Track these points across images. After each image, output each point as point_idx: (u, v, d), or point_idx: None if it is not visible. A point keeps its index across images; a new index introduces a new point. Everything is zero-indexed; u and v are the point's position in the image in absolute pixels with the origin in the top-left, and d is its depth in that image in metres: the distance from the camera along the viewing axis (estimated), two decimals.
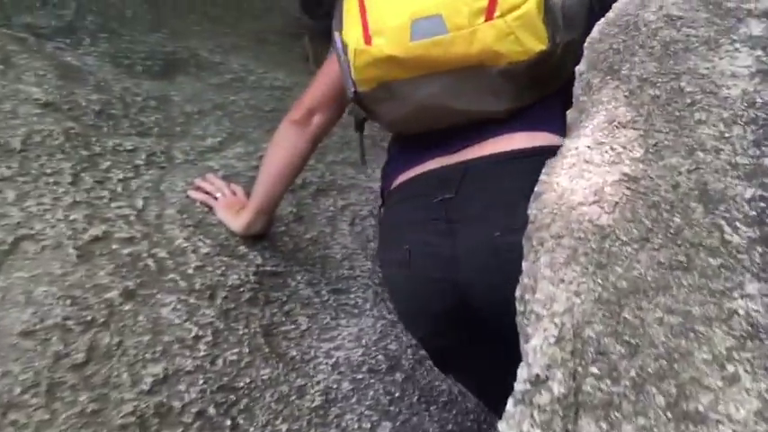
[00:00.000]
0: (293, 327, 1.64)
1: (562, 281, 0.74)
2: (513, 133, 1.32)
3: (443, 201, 1.32)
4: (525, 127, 1.34)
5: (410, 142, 1.48)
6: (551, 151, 0.97)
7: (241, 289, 1.60)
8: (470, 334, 1.36)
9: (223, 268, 1.61)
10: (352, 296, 1.81)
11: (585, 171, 0.79)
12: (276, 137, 1.63)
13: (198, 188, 1.78)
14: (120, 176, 1.70)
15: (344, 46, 1.38)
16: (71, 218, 1.51)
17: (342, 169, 2.15)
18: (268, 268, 1.70)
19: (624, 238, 0.73)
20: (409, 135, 1.49)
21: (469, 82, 1.31)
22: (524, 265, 0.79)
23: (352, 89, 1.39)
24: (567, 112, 0.96)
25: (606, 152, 0.79)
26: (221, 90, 2.25)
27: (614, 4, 0.97)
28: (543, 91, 1.34)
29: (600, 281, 0.72)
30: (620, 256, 0.73)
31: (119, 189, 1.66)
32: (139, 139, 1.86)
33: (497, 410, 0.88)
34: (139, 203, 1.65)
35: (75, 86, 1.91)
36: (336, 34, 1.40)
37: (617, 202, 0.75)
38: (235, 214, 1.73)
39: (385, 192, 1.54)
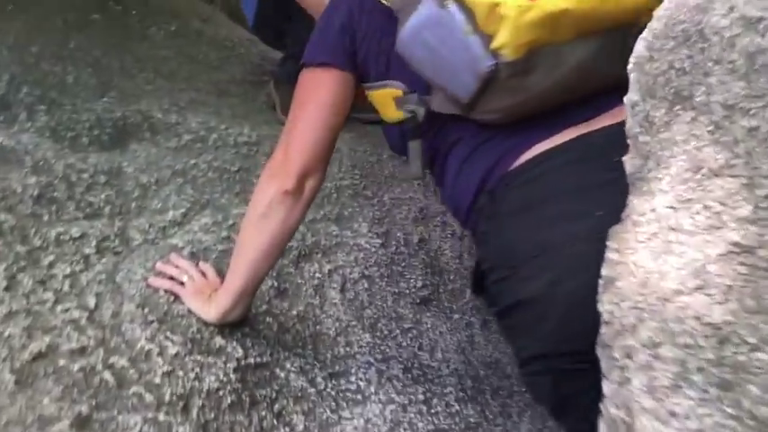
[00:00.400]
0: (288, 430, 1.38)
1: (673, 414, 0.50)
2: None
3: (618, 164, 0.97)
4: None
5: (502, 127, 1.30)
6: None
7: (221, 392, 1.34)
8: None
9: (197, 370, 1.35)
10: (352, 379, 1.56)
11: (674, 243, 0.56)
12: (263, 208, 1.40)
13: (160, 273, 1.53)
14: (67, 271, 1.46)
15: (471, 11, 1.19)
16: (6, 333, 1.25)
17: (324, 227, 1.90)
18: (251, 360, 1.45)
19: (752, 340, 0.50)
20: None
21: (620, 42, 1.13)
22: (606, 387, 0.55)
23: (491, 62, 1.19)
24: (625, 158, 0.73)
25: (698, 213, 0.56)
26: (180, 154, 2.01)
27: (656, 12, 0.74)
28: None
29: (731, 410, 0.48)
30: (753, 368, 0.49)
31: (65, 288, 1.41)
32: (88, 224, 1.61)
33: None
34: (91, 302, 1.40)
35: (9, 171, 1.66)
36: (450, 6, 1.21)
37: (730, 286, 0.52)
38: (207, 300, 1.47)
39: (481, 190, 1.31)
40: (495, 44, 1.19)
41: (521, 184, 1.25)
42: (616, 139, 0.97)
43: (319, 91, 1.41)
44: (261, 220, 1.40)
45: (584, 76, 1.25)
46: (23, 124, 1.91)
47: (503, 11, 1.17)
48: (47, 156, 1.78)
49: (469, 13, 1.20)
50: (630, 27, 1.11)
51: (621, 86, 0.98)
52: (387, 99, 1.41)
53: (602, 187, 1.08)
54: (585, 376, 0.99)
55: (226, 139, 2.11)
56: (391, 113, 1.43)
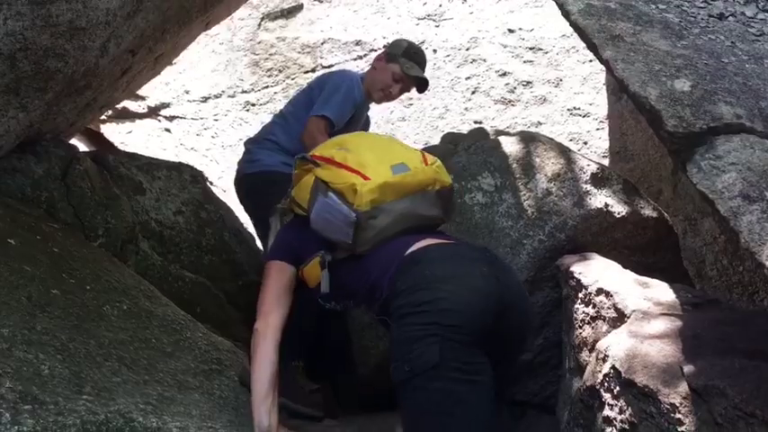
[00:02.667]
0: None
1: None
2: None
3: (483, 256, 2.16)
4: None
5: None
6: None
7: None
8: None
9: None
10: None
11: None
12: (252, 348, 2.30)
13: None
14: None
15: (341, 194, 2.17)
16: None
17: None
18: None
19: None
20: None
21: (424, 199, 2.25)
22: None
23: (354, 215, 2.13)
24: None
25: None
26: None
27: None
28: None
29: None
30: None
31: None
32: None
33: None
34: None
35: None
36: (330, 195, 2.20)
37: None
38: None
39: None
40: (355, 205, 2.14)
41: (426, 255, 2.11)
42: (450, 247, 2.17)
43: (272, 272, 2.37)
44: (253, 355, 2.27)
45: (407, 218, 2.19)
46: (9, 428, 1.74)
47: (357, 188, 2.14)
48: None
49: (340, 195, 2.17)
50: (429, 189, 2.24)
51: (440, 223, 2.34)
52: (314, 265, 2.27)
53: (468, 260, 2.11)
54: (462, 347, 1.91)
55: None
56: (316, 274, 2.27)
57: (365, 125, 3.78)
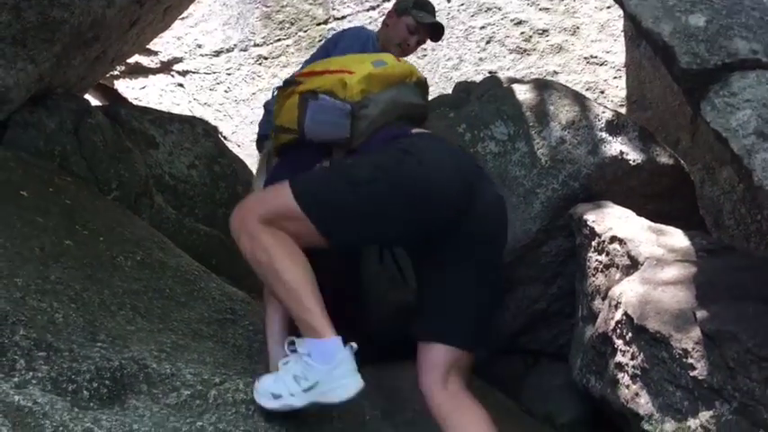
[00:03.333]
0: None
1: None
2: None
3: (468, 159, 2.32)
4: None
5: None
6: None
7: None
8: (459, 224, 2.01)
9: None
10: None
11: None
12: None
13: None
14: None
15: (331, 93, 2.20)
16: None
17: None
18: None
19: None
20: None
21: (407, 88, 2.32)
22: None
23: (348, 105, 2.17)
24: None
25: None
26: (183, 413, 1.92)
27: None
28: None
29: None
30: None
31: None
32: None
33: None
34: None
35: None
36: (321, 96, 2.21)
37: None
38: None
39: (395, 134, 2.18)
40: (347, 95, 2.18)
41: (416, 138, 2.17)
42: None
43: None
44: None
45: (396, 105, 2.24)
46: (24, 374, 1.77)
47: (346, 80, 2.18)
48: (64, 418, 1.65)
49: (331, 93, 2.19)
50: (408, 80, 2.31)
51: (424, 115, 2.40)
52: None
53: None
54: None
55: (224, 396, 2.05)
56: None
57: None
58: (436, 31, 3.57)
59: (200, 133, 3.97)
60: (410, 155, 2.02)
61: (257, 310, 2.91)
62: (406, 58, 2.54)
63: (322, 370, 1.87)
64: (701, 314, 2.37)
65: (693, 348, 2.33)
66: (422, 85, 2.42)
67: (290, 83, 2.35)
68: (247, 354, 2.49)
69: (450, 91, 4.25)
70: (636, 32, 3.87)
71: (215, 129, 4.11)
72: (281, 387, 1.97)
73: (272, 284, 2.02)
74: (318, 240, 2.01)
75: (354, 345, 1.90)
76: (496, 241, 2.18)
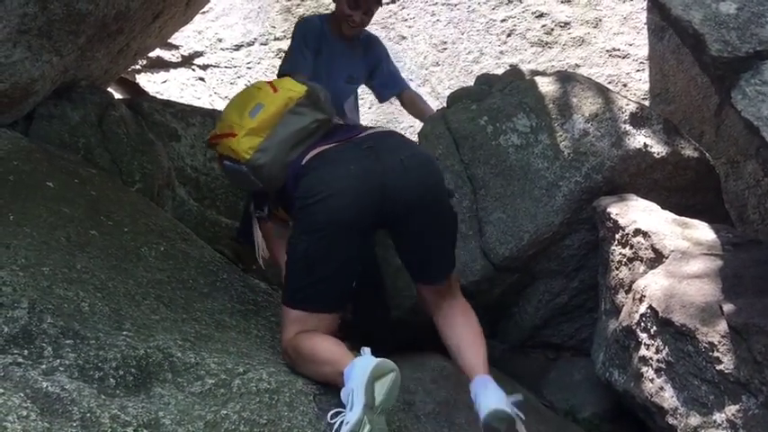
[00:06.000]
0: None
1: None
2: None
3: (369, 147, 2.33)
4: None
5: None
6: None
7: None
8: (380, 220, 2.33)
9: None
10: None
11: None
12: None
13: None
14: None
15: (230, 158, 2.43)
16: None
17: None
18: None
19: None
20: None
21: (291, 116, 2.43)
22: None
23: (243, 167, 2.39)
24: None
25: None
26: (207, 401, 1.93)
27: None
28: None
29: None
30: None
31: None
32: None
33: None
34: None
35: (59, 425, 1.53)
36: (225, 162, 2.47)
37: None
38: None
39: (296, 170, 2.36)
40: (238, 158, 2.38)
41: (318, 160, 2.34)
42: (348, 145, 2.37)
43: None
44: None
45: (288, 139, 2.40)
46: (52, 361, 1.79)
47: (231, 146, 2.39)
48: (91, 405, 1.66)
49: (229, 158, 2.42)
50: (289, 107, 2.42)
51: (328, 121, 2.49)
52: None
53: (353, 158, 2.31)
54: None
55: (248, 386, 2.06)
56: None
57: (342, 59, 3.60)
58: None
59: None
60: (315, 197, 2.24)
61: (278, 301, 2.92)
62: (279, 81, 2.64)
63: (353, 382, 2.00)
64: (727, 307, 2.34)
65: (720, 342, 2.30)
66: (305, 101, 2.48)
67: (209, 145, 2.66)
68: (270, 344, 2.50)
69: (470, 84, 4.23)
70: (663, 21, 3.81)
71: None
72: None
73: (310, 373, 2.21)
74: (327, 317, 2.31)
75: (366, 349, 2.11)
76: (429, 199, 2.37)
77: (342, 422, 1.95)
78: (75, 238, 2.38)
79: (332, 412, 2.01)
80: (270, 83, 2.58)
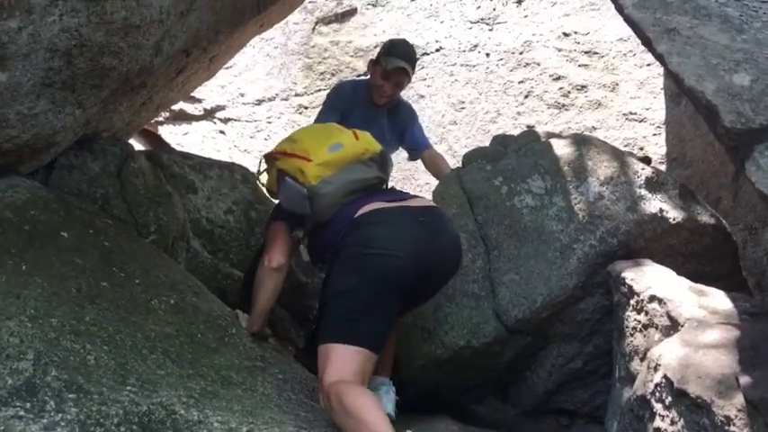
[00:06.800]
0: None
1: None
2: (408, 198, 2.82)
3: (424, 221, 2.63)
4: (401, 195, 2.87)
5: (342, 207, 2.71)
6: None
7: None
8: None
9: None
10: None
11: None
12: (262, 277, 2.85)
13: None
14: None
15: (294, 177, 2.71)
16: None
17: None
18: None
19: None
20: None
21: (361, 165, 2.75)
22: None
23: (305, 191, 2.67)
24: None
25: None
26: None
27: None
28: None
29: None
30: None
31: None
32: None
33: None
34: None
35: None
36: (286, 179, 2.74)
37: None
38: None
39: (350, 215, 2.63)
40: (304, 181, 2.67)
41: (369, 218, 2.59)
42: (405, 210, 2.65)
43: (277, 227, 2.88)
44: (263, 281, 2.85)
45: (351, 183, 2.69)
46: (53, 415, 1.77)
47: (303, 169, 2.66)
48: None
49: (293, 178, 2.70)
50: (363, 157, 2.75)
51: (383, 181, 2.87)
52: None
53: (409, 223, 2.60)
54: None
55: None
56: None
57: (373, 123, 3.77)
58: (403, 71, 3.83)
59: (239, 179, 4.02)
60: (374, 250, 2.49)
61: (287, 358, 2.89)
62: (363, 133, 2.89)
63: None
64: (744, 380, 2.27)
65: (736, 416, 2.23)
66: (377, 158, 2.81)
67: (270, 156, 2.89)
68: (276, 403, 2.47)
69: (487, 144, 4.26)
70: (678, 90, 3.84)
71: (253, 174, 4.16)
72: None
73: (346, 427, 2.26)
74: (372, 356, 2.44)
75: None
76: (452, 276, 2.87)
77: None
78: (86, 290, 2.38)
79: None
80: (352, 130, 2.88)
